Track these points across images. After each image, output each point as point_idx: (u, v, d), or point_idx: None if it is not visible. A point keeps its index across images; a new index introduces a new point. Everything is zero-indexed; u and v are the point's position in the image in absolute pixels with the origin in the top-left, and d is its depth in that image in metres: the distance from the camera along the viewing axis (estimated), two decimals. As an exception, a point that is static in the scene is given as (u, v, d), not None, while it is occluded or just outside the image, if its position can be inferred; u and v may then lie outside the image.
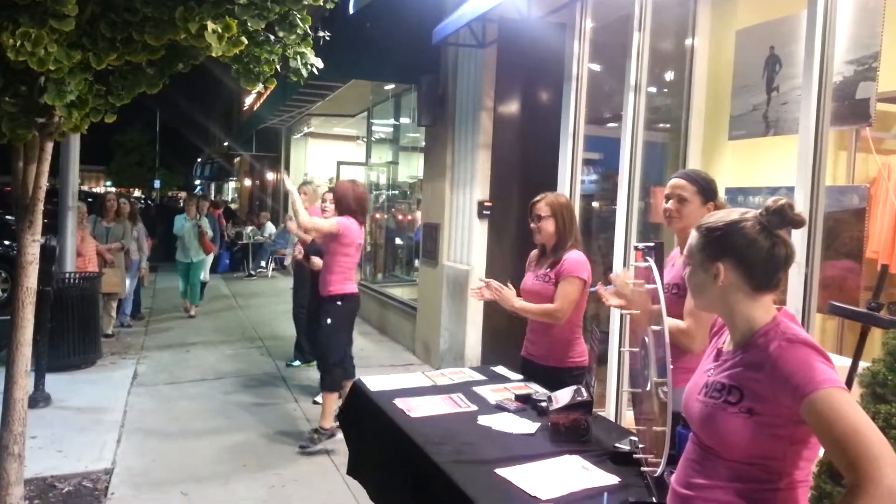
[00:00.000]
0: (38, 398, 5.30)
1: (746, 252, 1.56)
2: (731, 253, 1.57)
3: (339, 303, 4.65)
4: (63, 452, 4.47)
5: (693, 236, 1.66)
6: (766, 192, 4.12)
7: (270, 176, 19.96)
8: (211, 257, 10.82)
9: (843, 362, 2.99)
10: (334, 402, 4.52)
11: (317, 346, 5.15)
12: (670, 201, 2.61)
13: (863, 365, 2.77)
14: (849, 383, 2.75)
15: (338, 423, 4.18)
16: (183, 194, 22.42)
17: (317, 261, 5.35)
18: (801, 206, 3.25)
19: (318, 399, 5.17)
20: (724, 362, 1.62)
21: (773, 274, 1.58)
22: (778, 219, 1.56)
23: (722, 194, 4.29)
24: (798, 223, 1.57)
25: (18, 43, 2.46)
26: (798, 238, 3.24)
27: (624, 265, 4.43)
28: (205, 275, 10.54)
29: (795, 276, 3.27)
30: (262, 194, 21.45)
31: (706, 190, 2.58)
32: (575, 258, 3.21)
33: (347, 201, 4.72)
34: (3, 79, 2.84)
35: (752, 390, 1.50)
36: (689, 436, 1.68)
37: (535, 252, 3.43)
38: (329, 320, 4.67)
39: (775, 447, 1.49)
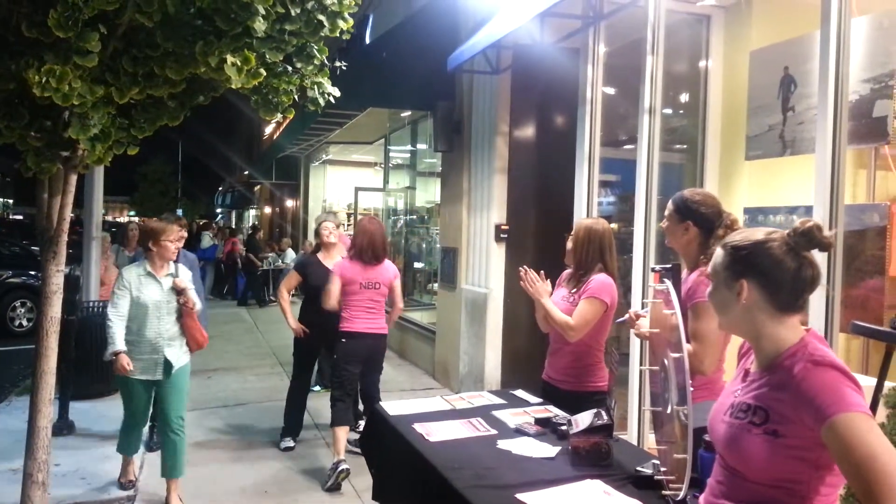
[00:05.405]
0: (62, 426, 5.36)
1: (772, 272, 1.55)
2: (756, 272, 1.56)
3: (342, 340, 4.73)
4: (86, 480, 4.50)
5: (718, 254, 1.65)
6: (785, 211, 4.10)
7: (290, 203, 20.16)
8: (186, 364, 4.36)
9: (868, 382, 2.95)
10: (340, 434, 4.55)
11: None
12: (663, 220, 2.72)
13: (888, 385, 2.73)
14: (874, 404, 2.71)
15: (359, 450, 4.18)
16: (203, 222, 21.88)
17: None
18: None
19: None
20: (750, 383, 1.60)
21: (798, 295, 1.56)
22: (805, 240, 1.55)
23: (740, 214, 4.33)
24: (826, 246, 1.55)
25: (44, 79, 2.53)
26: (818, 257, 3.20)
27: (642, 286, 4.41)
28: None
29: (817, 296, 3.23)
30: (282, 221, 21.65)
31: (681, 209, 2.61)
32: (600, 280, 3.22)
33: (354, 243, 4.85)
34: (29, 114, 2.93)
35: (776, 411, 1.49)
36: (716, 457, 1.67)
37: (568, 271, 3.44)
38: (335, 355, 4.81)
39: (799, 470, 1.47)
